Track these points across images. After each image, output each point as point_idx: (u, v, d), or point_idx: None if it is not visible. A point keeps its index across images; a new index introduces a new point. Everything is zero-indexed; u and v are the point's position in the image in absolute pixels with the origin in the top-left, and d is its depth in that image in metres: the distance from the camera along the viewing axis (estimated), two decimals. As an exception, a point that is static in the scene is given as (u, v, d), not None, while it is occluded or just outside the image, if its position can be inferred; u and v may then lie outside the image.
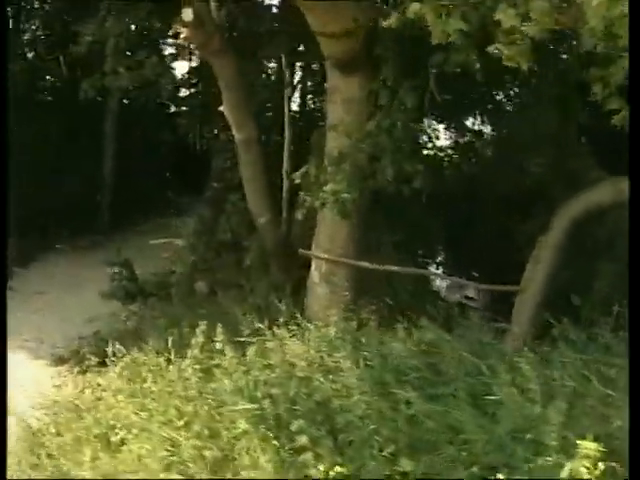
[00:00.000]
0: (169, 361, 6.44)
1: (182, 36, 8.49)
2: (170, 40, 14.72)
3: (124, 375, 6.64)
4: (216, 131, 22.42)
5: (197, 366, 6.33)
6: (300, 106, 16.67)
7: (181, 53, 15.37)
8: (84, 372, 7.56)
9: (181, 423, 5.21)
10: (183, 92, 22.22)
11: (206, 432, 5.12)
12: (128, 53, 10.04)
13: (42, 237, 13.71)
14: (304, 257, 9.58)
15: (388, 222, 10.46)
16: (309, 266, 9.37)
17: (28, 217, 13.50)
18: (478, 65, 6.67)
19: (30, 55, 18.67)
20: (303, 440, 4.93)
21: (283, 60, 8.80)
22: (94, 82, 10.23)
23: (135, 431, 5.31)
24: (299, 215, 8.14)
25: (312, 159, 9.73)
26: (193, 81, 22.04)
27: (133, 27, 10.54)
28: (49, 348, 8.44)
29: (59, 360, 8.03)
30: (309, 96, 17.72)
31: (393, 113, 7.45)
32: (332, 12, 6.86)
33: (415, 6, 4.55)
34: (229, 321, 8.58)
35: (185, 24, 8.27)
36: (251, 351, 6.54)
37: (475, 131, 14.48)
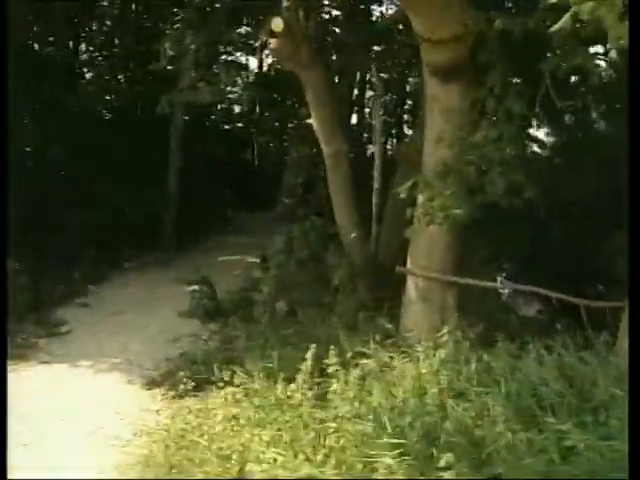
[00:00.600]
0: (280, 387, 5.99)
1: (270, 47, 8.15)
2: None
3: (231, 401, 6.23)
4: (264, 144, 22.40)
5: (310, 392, 5.90)
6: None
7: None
8: (180, 396, 7.16)
9: (319, 457, 4.77)
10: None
11: (344, 467, 4.67)
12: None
13: (111, 253, 13.44)
14: (392, 275, 9.18)
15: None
16: (397, 284, 8.98)
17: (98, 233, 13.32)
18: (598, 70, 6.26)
19: (89, 75, 18.65)
20: (451, 475, 4.48)
21: (373, 71, 8.38)
22: (173, 98, 9.90)
23: (265, 466, 4.87)
24: (407, 232, 7.66)
25: (401, 172, 9.35)
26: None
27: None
28: (139, 370, 8.04)
29: (152, 383, 7.61)
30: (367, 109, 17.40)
31: (500, 122, 7.00)
32: (441, 17, 6.45)
33: (589, 5, 4.07)
34: (323, 342, 8.22)
35: (274, 34, 7.94)
36: (361, 374, 6.10)
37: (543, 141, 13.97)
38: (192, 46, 9.39)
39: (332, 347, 6.35)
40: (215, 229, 17.11)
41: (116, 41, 18.89)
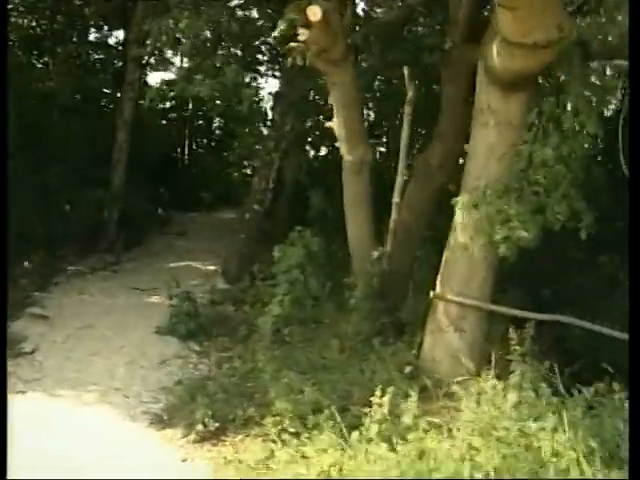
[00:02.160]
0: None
1: (301, 38, 7.02)
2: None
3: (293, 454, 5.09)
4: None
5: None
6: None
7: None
8: (202, 440, 5.90)
9: None
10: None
11: None
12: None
13: (51, 255, 11.78)
14: (404, 297, 8.27)
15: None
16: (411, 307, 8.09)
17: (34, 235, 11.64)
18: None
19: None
20: None
21: (406, 73, 7.39)
22: (158, 90, 8.53)
23: None
24: (446, 253, 6.75)
25: (416, 184, 8.44)
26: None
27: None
28: (136, 403, 6.69)
29: (160, 422, 6.27)
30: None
31: (573, 141, 6.20)
32: (542, 18, 5.53)
33: None
34: (333, 370, 7.19)
35: (309, 24, 6.82)
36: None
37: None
38: (188, 31, 8.07)
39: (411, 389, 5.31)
40: (155, 230, 15.62)
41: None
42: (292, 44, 7.13)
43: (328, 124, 7.69)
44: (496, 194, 6.35)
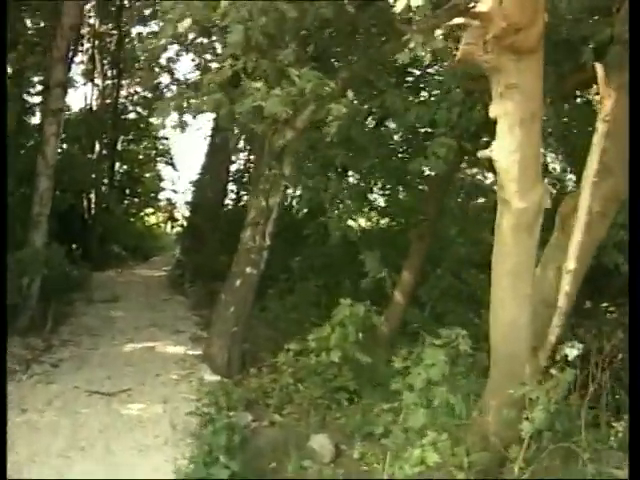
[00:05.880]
0: None
1: (482, 7, 3.94)
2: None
3: None
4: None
5: None
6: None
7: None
8: None
9: None
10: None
11: None
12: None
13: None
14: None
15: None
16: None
17: None
18: None
19: None
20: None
21: (599, 72, 4.45)
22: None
23: None
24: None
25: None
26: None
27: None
28: None
29: None
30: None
31: None
32: None
33: None
34: None
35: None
36: None
37: None
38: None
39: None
40: (81, 297, 11.55)
41: None
42: (456, 20, 4.01)
43: (482, 153, 4.53)
44: None
